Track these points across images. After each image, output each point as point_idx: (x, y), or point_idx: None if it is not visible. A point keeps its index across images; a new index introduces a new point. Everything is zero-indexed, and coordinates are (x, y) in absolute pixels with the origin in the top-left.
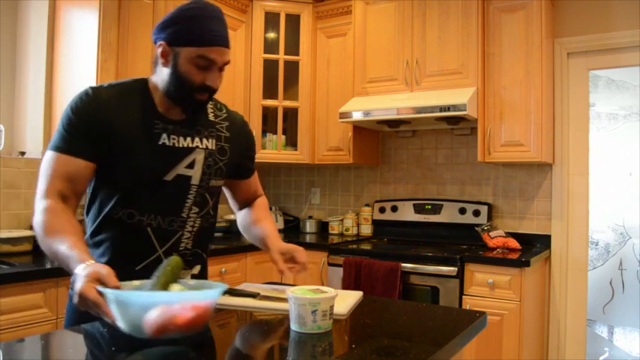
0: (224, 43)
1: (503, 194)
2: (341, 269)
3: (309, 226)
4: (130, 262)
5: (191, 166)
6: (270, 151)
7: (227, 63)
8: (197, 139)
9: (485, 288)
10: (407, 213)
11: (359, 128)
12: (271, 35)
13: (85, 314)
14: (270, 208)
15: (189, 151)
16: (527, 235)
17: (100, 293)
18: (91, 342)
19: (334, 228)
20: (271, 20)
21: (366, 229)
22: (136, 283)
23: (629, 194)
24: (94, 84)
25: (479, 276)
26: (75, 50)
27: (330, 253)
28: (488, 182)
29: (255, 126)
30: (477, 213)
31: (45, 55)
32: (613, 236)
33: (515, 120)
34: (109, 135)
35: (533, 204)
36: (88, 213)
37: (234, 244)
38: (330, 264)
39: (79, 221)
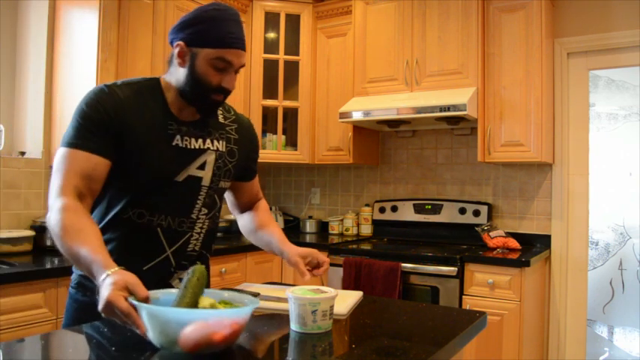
0: (242, 45)
1: (503, 194)
2: (341, 269)
3: (309, 226)
4: (138, 262)
5: (202, 167)
6: (270, 151)
7: (243, 66)
8: (208, 141)
9: (485, 288)
10: (407, 213)
11: (359, 128)
12: (271, 35)
13: (83, 314)
14: (270, 208)
15: (201, 152)
16: (527, 235)
17: (132, 305)
18: (90, 342)
19: (334, 228)
20: (271, 20)
21: (366, 229)
22: (160, 293)
23: (629, 194)
24: (94, 84)
25: (479, 276)
26: (75, 50)
27: (330, 253)
28: (488, 182)
29: (255, 126)
30: (477, 213)
31: (45, 55)
32: (613, 236)
33: (515, 120)
34: (124, 134)
35: (533, 204)
36: (92, 211)
37: (234, 244)
38: (330, 264)
39: None
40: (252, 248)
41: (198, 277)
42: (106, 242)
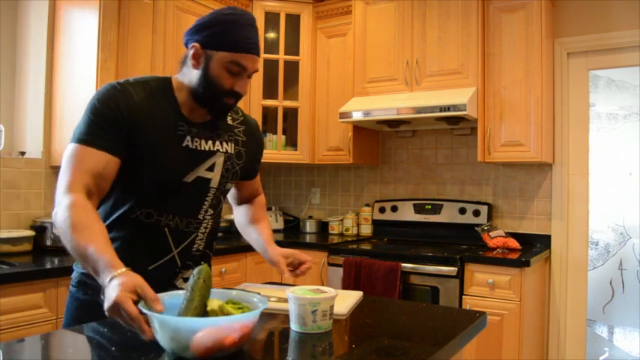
0: (257, 51)
1: (503, 194)
2: (341, 269)
3: (309, 226)
4: (144, 261)
5: (211, 169)
6: (270, 151)
7: (256, 71)
8: (217, 143)
9: (485, 288)
10: (407, 213)
11: (359, 128)
12: (271, 35)
13: (84, 313)
14: (270, 208)
15: (211, 154)
16: (527, 235)
17: (141, 311)
18: (91, 342)
19: (334, 228)
20: (271, 20)
21: (366, 229)
22: (167, 296)
23: (629, 194)
24: (94, 84)
25: (479, 276)
26: (75, 50)
27: (330, 253)
28: (488, 182)
29: None
30: (477, 213)
31: (45, 55)
32: (613, 236)
33: (515, 120)
34: (136, 133)
35: (533, 204)
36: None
37: (234, 244)
38: (330, 264)
39: None
40: (252, 248)
41: (205, 279)
42: (112, 241)
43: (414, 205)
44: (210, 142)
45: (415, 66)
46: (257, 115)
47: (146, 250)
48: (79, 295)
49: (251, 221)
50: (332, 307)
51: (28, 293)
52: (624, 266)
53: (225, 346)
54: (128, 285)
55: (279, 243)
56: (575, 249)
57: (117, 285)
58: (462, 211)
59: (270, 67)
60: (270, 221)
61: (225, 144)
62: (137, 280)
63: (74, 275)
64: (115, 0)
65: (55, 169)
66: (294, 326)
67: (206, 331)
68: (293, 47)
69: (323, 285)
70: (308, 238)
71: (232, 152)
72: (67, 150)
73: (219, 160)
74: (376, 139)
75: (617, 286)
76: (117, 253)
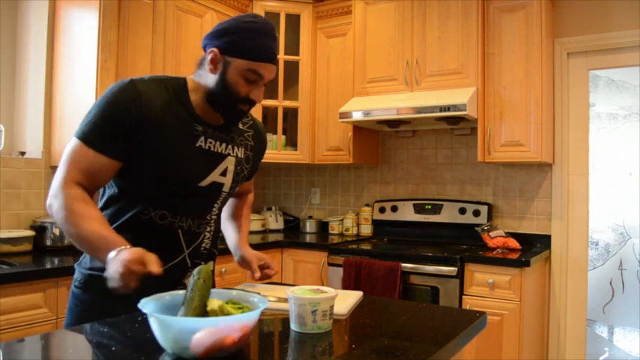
0: (274, 61)
1: (503, 194)
2: (341, 269)
3: (309, 226)
4: None
5: (224, 173)
6: (270, 151)
7: (272, 80)
8: (230, 147)
9: (485, 288)
10: (407, 213)
11: (359, 128)
12: None
13: (89, 314)
14: (270, 208)
15: (223, 157)
16: (527, 235)
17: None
18: (91, 342)
19: (334, 228)
20: (271, 20)
21: (366, 229)
22: (168, 295)
23: (629, 194)
24: (94, 84)
25: (479, 276)
26: (75, 50)
27: (330, 253)
28: (488, 182)
29: None
30: (477, 213)
31: (45, 55)
32: (613, 236)
33: (515, 120)
34: (148, 133)
35: (533, 204)
36: (102, 209)
37: None
38: (330, 264)
39: None
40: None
41: (204, 279)
42: None
43: (414, 205)
44: (224, 145)
45: (415, 66)
46: (257, 115)
47: (159, 250)
48: (84, 297)
49: (232, 216)
50: (332, 307)
51: (28, 293)
52: (624, 266)
53: (225, 346)
54: (137, 251)
55: (279, 243)
56: (575, 249)
57: (126, 252)
58: (462, 211)
59: None
60: (270, 221)
61: (236, 148)
62: (143, 251)
63: (76, 276)
64: (115, 0)
65: (55, 169)
66: (294, 326)
67: (206, 331)
68: (293, 47)
69: (323, 285)
70: (308, 238)
71: (242, 157)
72: (70, 142)
73: (231, 165)
74: (376, 139)
75: (617, 286)
76: None
